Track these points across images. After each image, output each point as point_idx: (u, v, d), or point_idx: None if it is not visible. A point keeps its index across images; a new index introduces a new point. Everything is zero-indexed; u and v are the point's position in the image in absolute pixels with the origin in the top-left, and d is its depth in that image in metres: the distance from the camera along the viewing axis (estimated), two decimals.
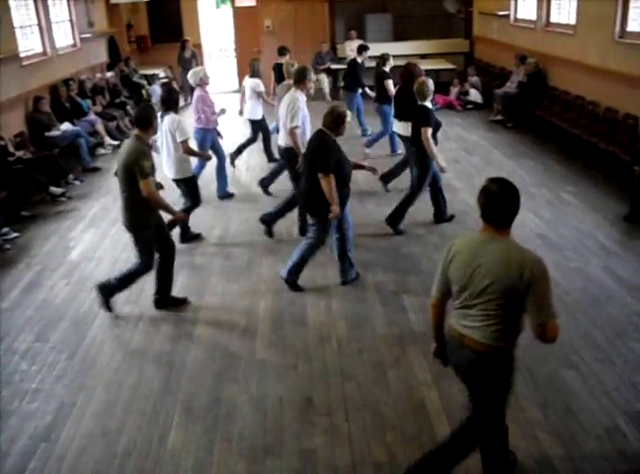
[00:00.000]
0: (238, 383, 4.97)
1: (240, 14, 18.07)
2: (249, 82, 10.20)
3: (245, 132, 11.17)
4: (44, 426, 4.61)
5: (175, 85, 16.43)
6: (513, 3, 14.34)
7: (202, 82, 8.70)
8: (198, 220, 8.00)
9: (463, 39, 17.30)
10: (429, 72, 14.97)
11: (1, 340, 5.77)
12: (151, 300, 6.21)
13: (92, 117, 12.22)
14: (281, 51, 11.44)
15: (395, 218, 7.68)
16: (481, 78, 14.85)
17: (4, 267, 7.28)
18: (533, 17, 13.09)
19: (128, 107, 14.04)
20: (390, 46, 16.70)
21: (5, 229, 7.99)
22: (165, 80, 16.45)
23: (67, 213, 8.93)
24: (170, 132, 7.22)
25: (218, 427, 4.49)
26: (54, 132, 10.71)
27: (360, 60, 12.05)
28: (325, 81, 15.83)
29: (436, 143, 7.39)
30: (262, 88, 10.11)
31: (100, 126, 12.18)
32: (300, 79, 7.40)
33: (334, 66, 16.24)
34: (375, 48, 16.28)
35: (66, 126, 11.04)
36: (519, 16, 14.22)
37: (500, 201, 3.37)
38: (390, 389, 4.81)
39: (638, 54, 9.22)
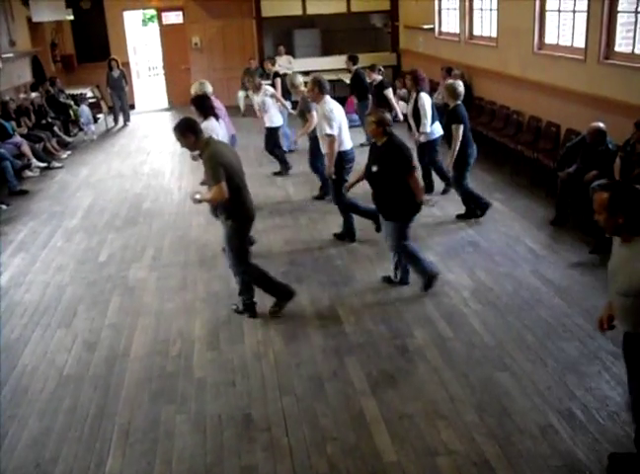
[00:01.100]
0: (176, 403, 4.91)
1: (167, 32, 17.99)
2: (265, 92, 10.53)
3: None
4: None
5: (103, 106, 16.29)
6: (437, 17, 14.67)
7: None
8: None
9: (390, 52, 17.61)
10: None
11: None
12: (84, 324, 6.10)
13: (17, 138, 11.92)
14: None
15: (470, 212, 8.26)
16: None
17: None
18: (457, 30, 13.42)
19: (55, 128, 13.78)
20: (319, 61, 17.01)
21: None
22: (93, 100, 16.25)
23: None
24: None
25: (157, 449, 4.42)
26: None
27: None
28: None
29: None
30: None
31: (26, 148, 11.88)
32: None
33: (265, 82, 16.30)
34: (304, 63, 16.56)
35: None
36: (443, 29, 14.56)
37: None
38: (328, 401, 4.82)
39: (556, 65, 9.56)
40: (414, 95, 9.10)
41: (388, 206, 6.17)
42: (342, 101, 12.98)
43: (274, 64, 12.92)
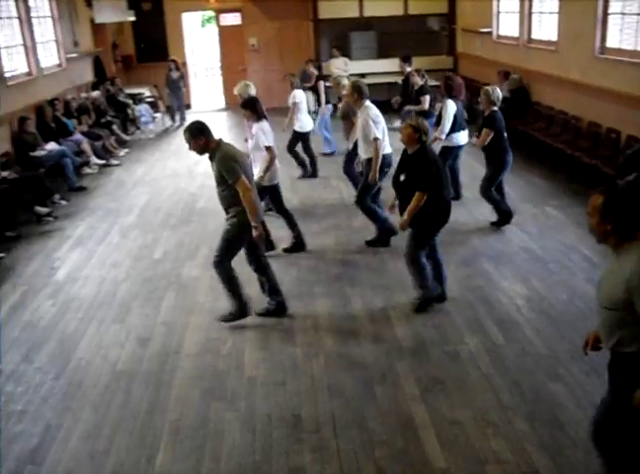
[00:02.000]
0: (226, 401, 4.96)
1: (225, 33, 18.19)
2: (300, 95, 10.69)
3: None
4: (31, 448, 4.57)
5: (160, 105, 16.55)
6: (495, 20, 14.51)
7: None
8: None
9: (447, 55, 17.47)
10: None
11: None
12: (138, 320, 6.22)
13: (78, 136, 12.22)
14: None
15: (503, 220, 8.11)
16: (465, 94, 14.94)
17: None
18: (516, 33, 13.24)
19: (114, 126, 14.07)
20: (375, 64, 16.98)
21: None
22: (151, 99, 16.53)
23: (53, 233, 8.90)
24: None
25: (207, 446, 4.47)
26: (40, 152, 10.69)
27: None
28: (310, 98, 15.93)
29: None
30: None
31: (86, 146, 12.18)
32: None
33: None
34: (360, 66, 16.56)
35: (52, 146, 11.03)
36: (501, 32, 14.39)
37: None
38: (378, 404, 4.81)
39: (617, 70, 9.35)
40: (443, 101, 9.00)
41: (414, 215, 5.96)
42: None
43: (317, 68, 12.86)
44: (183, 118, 16.47)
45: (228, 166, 5.59)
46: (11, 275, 7.59)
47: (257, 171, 7.36)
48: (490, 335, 5.68)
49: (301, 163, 11.00)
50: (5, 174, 9.45)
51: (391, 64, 16.75)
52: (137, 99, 16.12)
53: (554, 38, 11.48)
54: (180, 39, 18.39)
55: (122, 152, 13.48)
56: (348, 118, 9.19)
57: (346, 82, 9.39)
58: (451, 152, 9.01)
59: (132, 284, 7.14)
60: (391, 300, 6.42)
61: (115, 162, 12.78)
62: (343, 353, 5.55)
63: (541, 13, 12.23)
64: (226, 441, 4.51)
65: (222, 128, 11.35)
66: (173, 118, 16.51)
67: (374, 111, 7.55)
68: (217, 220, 8.79)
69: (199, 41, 23.00)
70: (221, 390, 5.10)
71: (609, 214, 3.31)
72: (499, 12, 14.42)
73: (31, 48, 12.19)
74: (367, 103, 7.60)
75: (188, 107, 17.81)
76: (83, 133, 12.55)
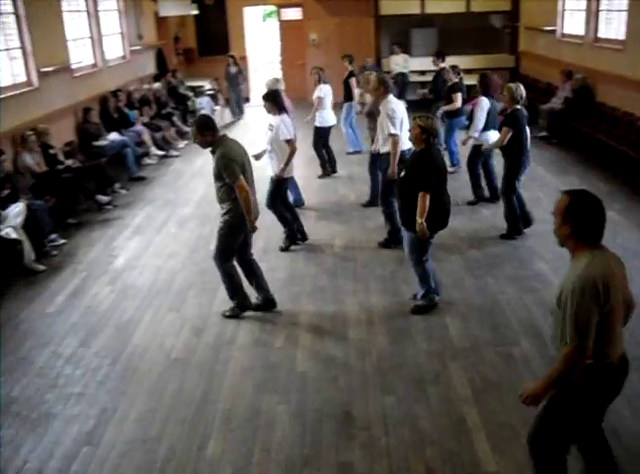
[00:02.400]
0: (278, 394, 4.99)
1: (286, 27, 18.25)
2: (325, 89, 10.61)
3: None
4: (87, 430, 4.69)
5: (220, 98, 16.71)
6: (560, 18, 14.23)
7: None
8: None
9: (509, 54, 17.20)
10: (473, 87, 15.02)
11: (47, 344, 5.89)
12: (193, 309, 6.31)
13: (139, 127, 12.44)
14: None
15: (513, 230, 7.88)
16: (526, 94, 14.69)
17: (51, 272, 7.44)
18: (581, 32, 12.96)
19: (175, 118, 14.26)
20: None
21: (53, 235, 8.17)
22: (211, 92, 16.70)
23: (113, 221, 9.09)
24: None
25: (257, 437, 4.51)
26: (102, 142, 10.94)
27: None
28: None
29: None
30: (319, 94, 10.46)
31: (146, 137, 12.39)
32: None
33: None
34: (421, 63, 16.43)
35: (114, 136, 11.26)
36: (565, 31, 14.09)
37: None
38: (430, 404, 4.78)
39: None
40: (478, 98, 8.85)
41: (410, 216, 5.84)
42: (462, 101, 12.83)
43: (351, 63, 12.67)
44: (241, 112, 16.63)
45: (227, 166, 5.66)
46: (72, 261, 7.78)
47: (275, 163, 7.52)
48: (545, 338, 5.57)
49: (323, 163, 10.91)
50: (69, 162, 9.69)
51: (452, 62, 16.55)
52: (198, 91, 16.31)
53: (622, 36, 11.18)
54: (241, 32, 18.53)
55: (182, 144, 13.65)
56: (373, 116, 9.06)
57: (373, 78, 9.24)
58: (482, 151, 8.85)
59: (188, 274, 7.24)
60: (445, 299, 6.36)
61: (174, 153, 12.96)
62: (395, 350, 5.53)
63: (609, 11, 11.92)
64: (277, 433, 4.55)
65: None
66: (233, 112, 16.65)
67: (393, 105, 7.49)
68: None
69: (259, 36, 23.14)
70: (273, 383, 5.14)
71: (570, 217, 3.26)
72: (564, 9, 14.11)
73: (97, 41, 12.47)
74: (390, 97, 7.57)
75: (247, 100, 17.95)
76: (144, 124, 12.77)
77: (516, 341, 5.57)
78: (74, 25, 11.68)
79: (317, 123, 10.69)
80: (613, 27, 11.73)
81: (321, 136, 10.71)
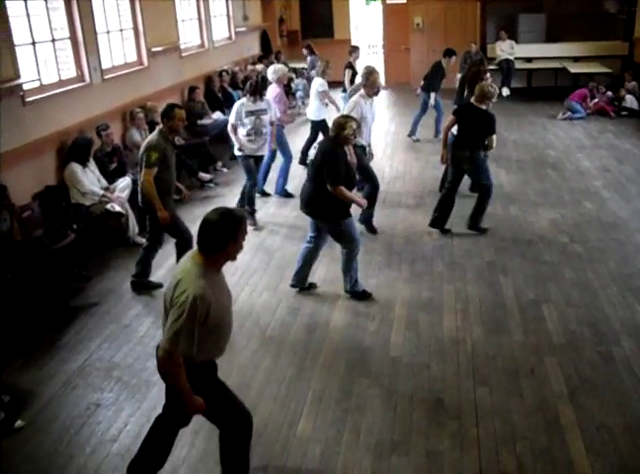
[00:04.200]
0: (370, 378, 5.02)
1: (390, 11, 18.08)
2: (314, 82, 10.34)
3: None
4: None
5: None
6: None
7: (280, 81, 9.21)
8: None
9: (622, 41, 16.43)
10: (581, 76, 14.50)
11: (148, 314, 6.12)
12: (289, 289, 6.40)
13: None
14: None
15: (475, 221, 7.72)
16: (639, 83, 14.09)
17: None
18: None
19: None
20: (542, 48, 16.30)
21: None
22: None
23: (214, 199, 9.29)
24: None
25: (347, 419, 4.55)
26: (206, 121, 11.18)
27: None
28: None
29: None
30: (324, 88, 10.14)
31: None
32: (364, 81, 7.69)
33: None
34: (527, 49, 15.98)
35: (217, 115, 11.50)
36: None
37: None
38: (523, 399, 4.70)
39: None
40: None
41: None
42: (565, 90, 12.44)
43: (352, 53, 12.19)
44: None
45: (148, 154, 5.99)
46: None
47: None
48: None
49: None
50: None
51: (560, 49, 16.10)
52: (299, 73, 16.40)
53: None
54: (345, 16, 18.51)
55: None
56: None
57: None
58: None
59: (286, 253, 7.33)
60: (544, 292, 6.22)
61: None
62: (491, 341, 5.45)
63: None
64: (367, 417, 4.58)
65: (380, 107, 11.34)
66: None
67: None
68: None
69: (363, 19, 23.03)
70: (366, 366, 5.17)
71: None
72: None
73: (205, 22, 12.73)
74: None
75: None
76: None
77: (617, 341, 5.38)
78: (183, 6, 11.97)
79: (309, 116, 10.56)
80: None
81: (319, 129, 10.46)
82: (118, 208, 7.53)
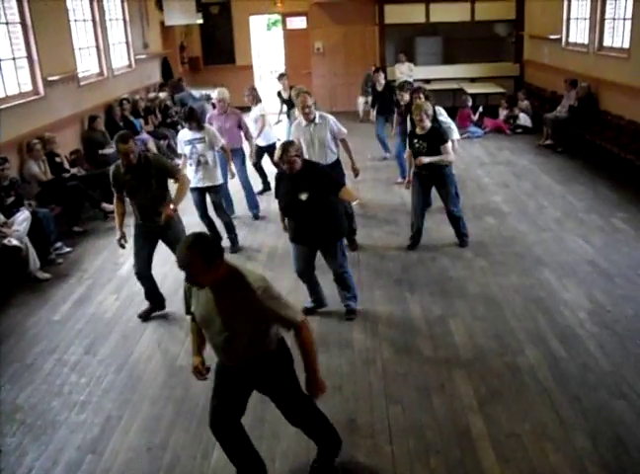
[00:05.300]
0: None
1: (291, 36, 18.31)
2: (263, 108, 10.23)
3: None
4: (92, 437, 4.69)
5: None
6: (564, 27, 14.23)
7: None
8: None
9: (513, 62, 17.21)
10: (478, 96, 15.08)
11: (52, 352, 5.90)
12: None
13: (144, 135, 12.47)
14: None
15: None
16: (531, 102, 14.75)
17: (56, 280, 7.46)
18: (585, 41, 12.96)
19: (179, 126, 14.28)
20: (440, 69, 16.90)
21: (58, 244, 8.21)
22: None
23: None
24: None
25: (262, 446, 4.48)
26: (108, 150, 10.93)
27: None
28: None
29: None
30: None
31: (151, 145, 12.40)
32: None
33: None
34: (426, 71, 16.51)
35: None
36: (570, 39, 14.10)
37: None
38: (435, 413, 4.77)
39: None
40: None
41: (332, 226, 6.01)
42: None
43: (281, 80, 12.37)
44: None
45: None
46: (77, 268, 7.81)
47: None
48: (551, 347, 5.57)
49: (265, 178, 10.64)
50: (74, 170, 9.72)
51: (457, 71, 16.71)
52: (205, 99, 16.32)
53: (627, 45, 11.18)
54: (246, 41, 18.60)
55: None
56: None
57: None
58: None
59: None
60: (450, 308, 6.36)
61: (179, 162, 12.94)
62: (401, 359, 5.52)
63: (614, 19, 11.91)
64: (281, 443, 4.54)
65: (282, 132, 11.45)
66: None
67: None
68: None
69: (265, 45, 23.18)
70: None
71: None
72: (569, 18, 14.12)
73: (103, 50, 12.52)
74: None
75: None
76: (149, 133, 12.80)
77: (521, 350, 5.55)
78: (81, 34, 11.73)
79: (261, 143, 10.13)
80: (618, 35, 11.72)
81: (266, 153, 10.29)
82: (15, 242, 7.25)
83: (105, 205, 9.59)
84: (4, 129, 8.56)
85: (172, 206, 6.25)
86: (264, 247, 8.27)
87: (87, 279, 7.48)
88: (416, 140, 7.54)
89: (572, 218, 8.59)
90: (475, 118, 14.40)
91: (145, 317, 6.46)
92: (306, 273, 6.20)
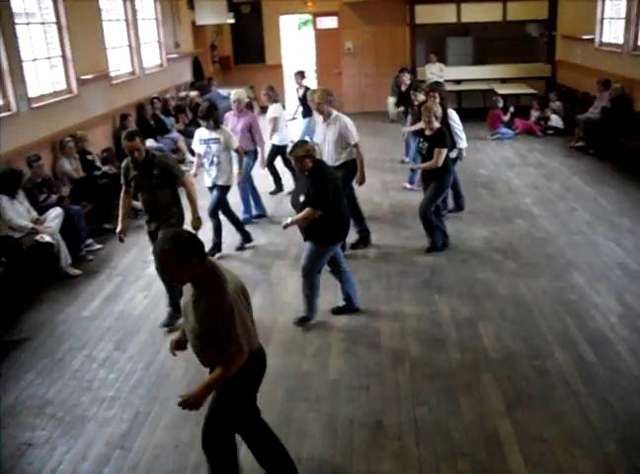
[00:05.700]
0: (310, 402, 4.99)
1: (321, 36, 18.30)
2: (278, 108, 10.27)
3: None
4: (120, 433, 4.74)
5: (255, 106, 16.78)
6: (598, 27, 14.05)
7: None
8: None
9: (545, 63, 17.03)
10: (509, 97, 14.95)
11: (82, 348, 5.97)
12: None
13: (174, 134, 12.57)
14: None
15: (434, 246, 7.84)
16: (563, 103, 14.58)
17: (86, 277, 7.55)
18: (620, 41, 12.79)
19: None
20: (471, 70, 16.77)
21: (89, 241, 8.30)
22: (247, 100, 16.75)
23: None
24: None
25: (288, 445, 4.46)
26: None
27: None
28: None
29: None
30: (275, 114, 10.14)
31: (182, 143, 12.51)
32: None
33: None
34: (456, 72, 16.40)
35: (150, 143, 11.35)
36: (604, 40, 13.92)
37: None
38: (462, 415, 4.74)
39: None
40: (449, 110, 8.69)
41: (314, 227, 5.88)
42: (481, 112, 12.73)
43: (303, 77, 12.42)
44: None
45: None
46: (106, 266, 7.89)
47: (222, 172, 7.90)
48: (581, 351, 5.51)
49: (277, 179, 10.66)
50: (106, 168, 9.84)
51: (487, 71, 16.57)
52: None
53: None
54: (277, 41, 18.64)
55: None
56: None
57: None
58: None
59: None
60: (479, 310, 6.32)
61: (193, 159, 12.99)
62: (428, 360, 5.50)
63: None
64: (308, 441, 4.55)
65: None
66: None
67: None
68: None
69: (295, 44, 23.21)
70: (305, 390, 5.14)
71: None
72: (603, 18, 13.94)
73: (135, 49, 12.64)
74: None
75: (282, 108, 18.00)
76: (179, 131, 12.89)
77: (550, 354, 5.49)
78: (113, 33, 11.86)
79: (276, 142, 10.21)
80: None
81: (279, 154, 10.27)
82: (47, 239, 7.34)
83: (135, 203, 9.65)
84: (36, 127, 8.69)
85: (196, 216, 6.50)
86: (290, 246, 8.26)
87: (116, 276, 7.56)
88: (421, 140, 7.68)
89: (603, 221, 8.49)
90: (506, 118, 14.27)
91: (171, 324, 6.37)
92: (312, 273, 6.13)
